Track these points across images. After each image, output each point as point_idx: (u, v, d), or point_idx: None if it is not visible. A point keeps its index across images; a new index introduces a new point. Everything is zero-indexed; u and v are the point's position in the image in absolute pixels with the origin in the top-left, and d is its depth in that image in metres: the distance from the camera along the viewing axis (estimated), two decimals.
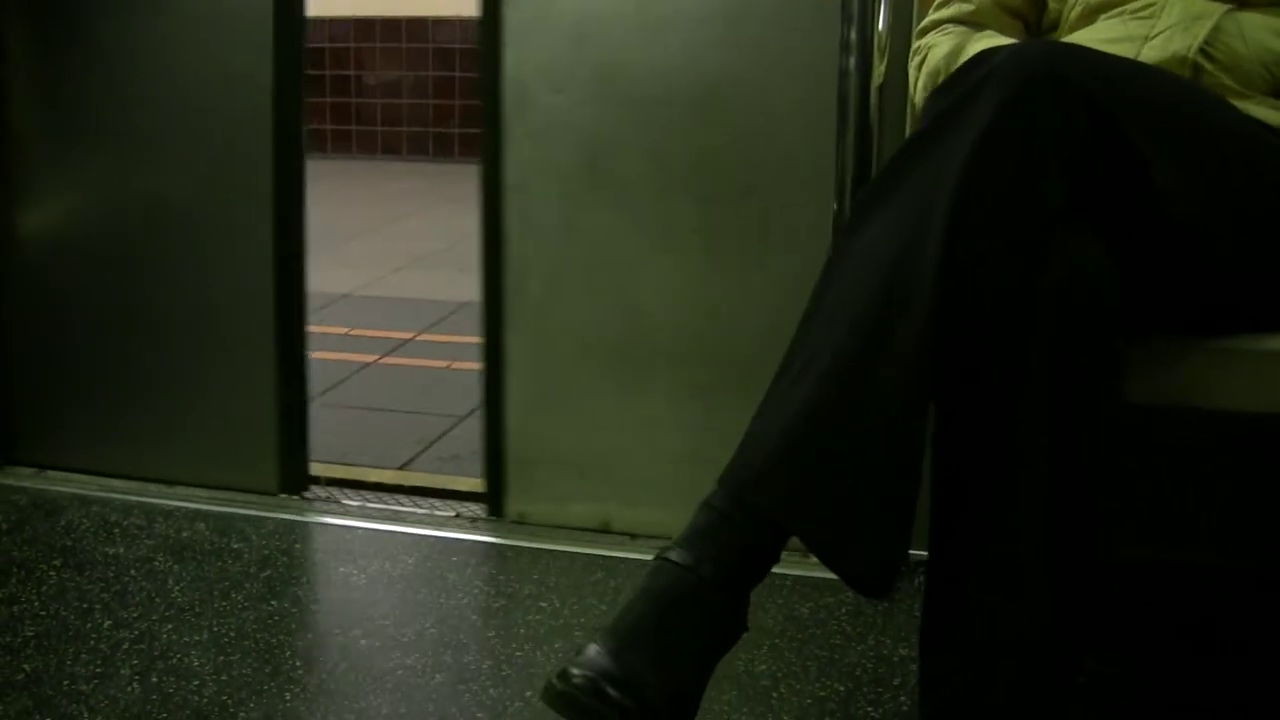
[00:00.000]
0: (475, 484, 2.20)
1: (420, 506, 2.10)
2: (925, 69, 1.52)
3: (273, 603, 1.73)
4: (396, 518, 2.05)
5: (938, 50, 1.50)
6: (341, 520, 2.02)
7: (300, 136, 2.12)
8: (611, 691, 1.06)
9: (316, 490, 2.16)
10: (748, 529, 1.12)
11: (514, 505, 2.05)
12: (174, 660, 1.58)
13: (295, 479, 2.14)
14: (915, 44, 1.58)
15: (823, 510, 1.10)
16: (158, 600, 1.73)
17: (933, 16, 1.58)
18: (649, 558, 1.14)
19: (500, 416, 2.04)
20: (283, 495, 2.11)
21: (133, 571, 1.82)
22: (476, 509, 2.09)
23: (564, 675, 1.08)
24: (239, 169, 2.08)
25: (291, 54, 2.08)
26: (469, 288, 3.77)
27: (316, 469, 2.25)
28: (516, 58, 1.96)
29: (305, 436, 2.17)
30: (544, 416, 2.03)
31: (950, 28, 1.54)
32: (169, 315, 2.14)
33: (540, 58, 1.95)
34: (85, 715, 1.45)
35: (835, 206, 1.83)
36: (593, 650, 1.09)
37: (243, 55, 2.06)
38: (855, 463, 1.10)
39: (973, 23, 1.54)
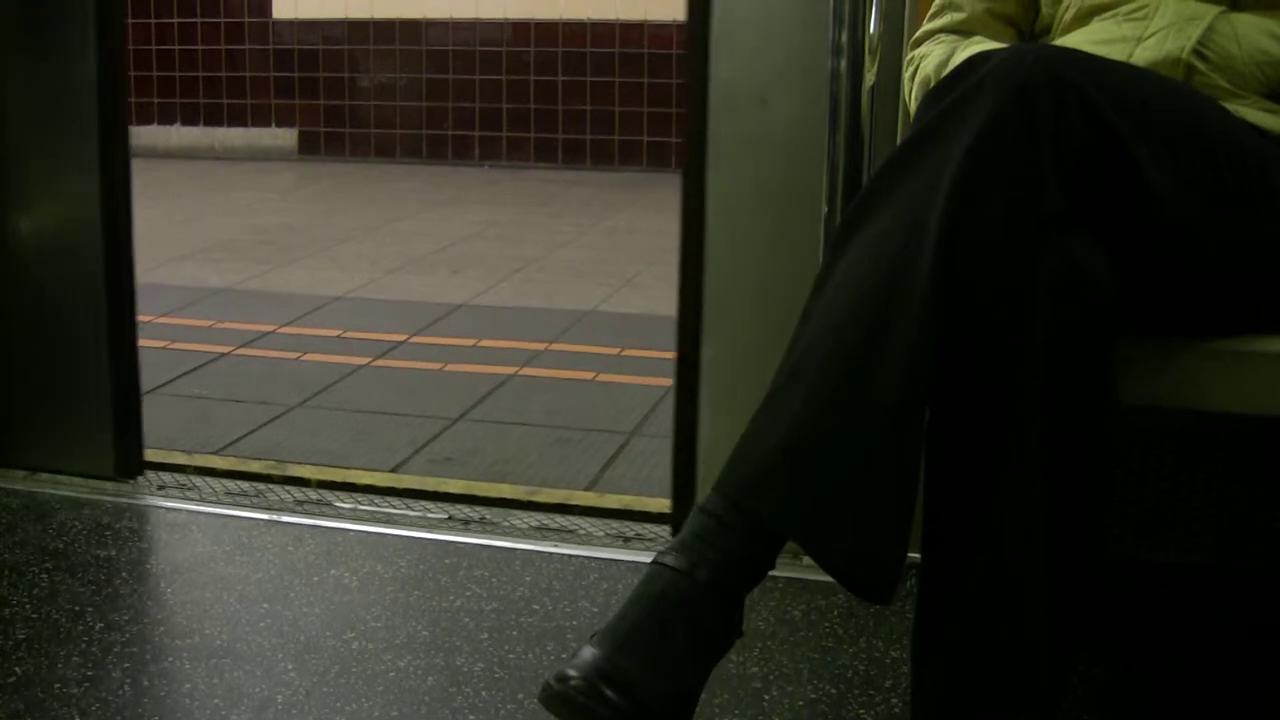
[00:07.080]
0: (469, 487, 2.20)
1: (413, 509, 2.10)
2: (917, 79, 1.53)
3: (264, 605, 1.73)
4: (389, 520, 2.05)
5: (929, 60, 1.51)
6: (334, 523, 2.01)
7: (124, 136, 2.17)
8: (609, 693, 1.07)
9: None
10: (743, 534, 1.12)
11: None
12: (165, 663, 1.57)
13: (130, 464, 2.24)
14: (909, 54, 1.58)
15: (821, 516, 1.10)
16: (149, 603, 1.73)
17: (926, 27, 1.58)
18: (645, 561, 1.14)
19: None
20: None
21: (124, 574, 1.82)
22: (469, 511, 2.09)
23: (562, 677, 1.08)
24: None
25: (117, 55, 2.14)
26: (462, 290, 3.79)
27: (307, 471, 2.25)
28: None
29: (140, 424, 2.26)
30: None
31: (943, 37, 1.55)
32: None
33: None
34: (76, 718, 1.45)
35: (826, 210, 1.83)
36: (589, 653, 1.09)
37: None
38: (853, 467, 1.10)
39: (965, 31, 1.54)
